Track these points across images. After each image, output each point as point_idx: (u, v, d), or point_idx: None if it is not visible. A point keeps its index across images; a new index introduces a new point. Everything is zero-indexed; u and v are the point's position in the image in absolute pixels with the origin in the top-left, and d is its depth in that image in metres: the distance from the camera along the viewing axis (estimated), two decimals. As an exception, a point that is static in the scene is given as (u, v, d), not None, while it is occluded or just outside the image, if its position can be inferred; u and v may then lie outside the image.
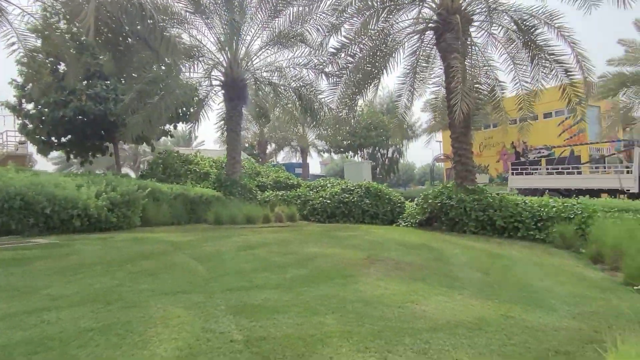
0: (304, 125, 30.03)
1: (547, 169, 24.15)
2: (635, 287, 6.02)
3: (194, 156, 21.88)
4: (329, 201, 15.37)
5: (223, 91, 17.46)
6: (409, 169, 79.32)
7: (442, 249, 9.06)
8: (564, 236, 9.37)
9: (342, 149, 43.78)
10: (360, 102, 16.02)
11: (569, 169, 22.65)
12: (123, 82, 18.29)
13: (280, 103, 19.26)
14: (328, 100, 15.47)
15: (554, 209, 10.52)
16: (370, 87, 14.51)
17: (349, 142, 42.10)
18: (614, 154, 25.49)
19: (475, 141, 46.93)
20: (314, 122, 18.02)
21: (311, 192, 17.14)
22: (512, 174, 24.97)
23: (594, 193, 19.63)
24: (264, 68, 17.99)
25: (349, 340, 3.89)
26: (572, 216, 10.03)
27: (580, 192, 19.89)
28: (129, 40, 12.93)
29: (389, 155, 45.86)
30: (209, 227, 12.00)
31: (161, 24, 11.24)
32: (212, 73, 18.14)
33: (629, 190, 19.22)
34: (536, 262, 7.83)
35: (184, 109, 24.39)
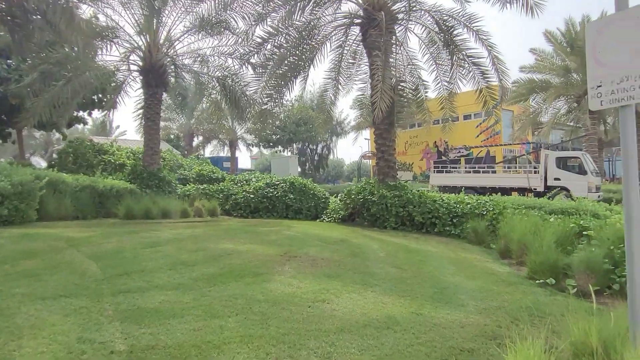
0: (231, 118, 29.12)
1: (466, 167, 25.40)
2: (537, 281, 6.26)
3: (109, 146, 20.38)
4: (252, 196, 14.91)
5: (141, 77, 16.31)
6: (339, 165, 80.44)
7: (361, 244, 9.01)
8: (476, 232, 9.72)
9: (271, 144, 43.27)
10: (289, 96, 15.70)
11: (484, 168, 23.95)
12: (29, 61, 16.53)
13: (203, 93, 18.40)
14: (252, 92, 14.96)
15: (469, 205, 10.91)
16: (297, 80, 14.24)
17: (279, 136, 41.71)
18: (524, 155, 27.34)
19: (401, 140, 48.69)
20: (239, 115, 17.40)
21: (235, 186, 16.58)
22: (433, 171, 25.94)
23: (506, 191, 20.88)
24: (187, 55, 17.07)
25: (249, 345, 3.57)
26: (484, 213, 10.44)
27: (494, 190, 21.06)
28: (30, 15, 11.61)
29: (319, 151, 46.09)
30: (118, 222, 11.09)
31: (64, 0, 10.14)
32: (131, 58, 16.92)
33: (535, 189, 20.68)
34: (450, 257, 7.99)
35: (100, 95, 22.69)
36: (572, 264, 6.31)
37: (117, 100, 18.45)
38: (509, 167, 24.29)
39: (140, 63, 16.03)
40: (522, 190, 21.06)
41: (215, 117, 22.69)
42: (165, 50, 15.91)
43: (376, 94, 11.04)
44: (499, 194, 17.53)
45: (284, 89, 13.81)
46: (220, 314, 4.25)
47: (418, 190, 12.40)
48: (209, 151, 51.24)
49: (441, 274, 6.53)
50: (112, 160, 18.81)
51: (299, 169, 47.63)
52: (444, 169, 25.60)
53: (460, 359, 3.58)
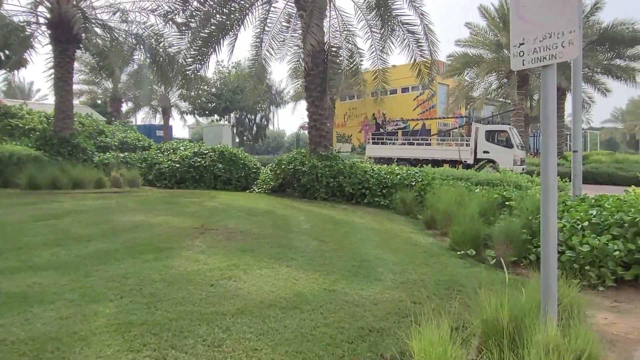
0: (159, 83, 27.26)
1: (403, 140, 25.63)
2: (458, 252, 6.16)
3: (18, 109, 18.36)
4: (178, 165, 14.00)
5: (50, 31, 14.57)
6: (279, 136, 79.25)
7: (287, 215, 8.60)
8: (404, 202, 9.61)
9: (206, 112, 41.45)
10: (216, 58, 14.65)
11: (419, 140, 24.28)
12: None
13: (121, 53, 16.84)
14: (176, 53, 13.80)
15: (398, 176, 10.79)
16: (225, 42, 13.29)
17: (214, 104, 40.00)
18: (456, 128, 28.04)
19: (340, 111, 48.50)
20: (164, 79, 16.15)
21: (160, 155, 15.52)
22: (369, 143, 25.98)
23: (438, 163, 21.28)
24: (103, 9, 15.44)
25: (124, 335, 3.03)
26: (413, 183, 10.36)
27: (427, 162, 21.41)
28: None
29: (257, 121, 44.89)
30: (16, 193, 9.90)
31: None
32: (39, 9, 15.05)
33: (466, 161, 21.24)
34: (375, 228, 7.78)
35: (7, 52, 20.26)
36: (492, 235, 6.26)
37: (26, 57, 16.47)
38: (442, 140, 24.76)
39: (48, 15, 14.29)
40: (454, 163, 21.58)
41: (139, 81, 21.04)
42: (76, 2, 14.25)
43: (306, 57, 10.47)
44: (430, 165, 17.89)
45: (210, 51, 12.83)
46: (100, 297, 3.66)
47: (353, 161, 12.11)
48: (140, 119, 48.37)
49: (363, 246, 6.27)
50: (21, 125, 16.97)
51: (237, 139, 46.28)
52: (380, 141, 25.69)
53: (367, 341, 3.26)
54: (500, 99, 30.04)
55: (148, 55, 16.12)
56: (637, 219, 5.35)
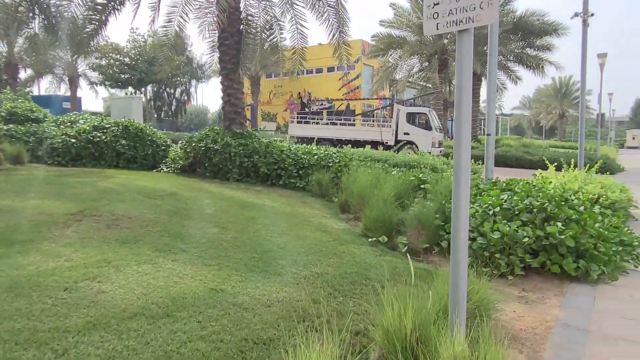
0: (55, 47, 24.45)
1: (327, 120, 25.27)
2: (370, 239, 5.78)
3: None
4: (73, 140, 12.41)
5: None
6: (202, 112, 75.91)
7: (191, 198, 7.77)
8: (320, 184, 9.15)
9: (119, 83, 38.28)
10: (115, 19, 13.12)
11: (341, 120, 24.06)
12: None
13: (13, 12, 14.65)
14: (69, 13, 12.08)
15: (316, 156, 10.30)
16: (128, 2, 11.82)
17: (128, 75, 37.01)
18: (378, 109, 28.23)
19: (266, 89, 47.25)
20: (59, 41, 14.24)
21: (54, 128, 13.74)
22: (292, 122, 25.37)
23: (360, 144, 21.21)
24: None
25: None
26: (330, 164, 9.93)
27: (349, 142, 21.26)
28: None
29: (177, 95, 42.38)
30: None
31: None
32: None
33: (387, 142, 21.38)
34: (286, 212, 7.22)
35: None
36: (405, 220, 5.95)
37: None
38: (364, 121, 24.73)
39: None
40: (375, 144, 21.62)
41: (35, 45, 18.61)
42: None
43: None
44: (349, 145, 17.69)
45: (109, 9, 11.34)
46: None
47: (272, 140, 11.40)
48: (44, 88, 43.65)
49: (269, 233, 5.67)
50: None
51: (154, 115, 43.43)
52: (303, 120, 25.17)
53: (248, 358, 2.68)
54: (422, 83, 30.66)
55: (42, 16, 14.08)
56: (545, 204, 5.26)
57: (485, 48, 16.46)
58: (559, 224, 4.91)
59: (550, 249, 4.87)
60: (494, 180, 8.29)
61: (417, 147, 20.73)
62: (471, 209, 5.64)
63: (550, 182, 7.57)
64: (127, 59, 36.95)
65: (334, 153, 10.50)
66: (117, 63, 36.14)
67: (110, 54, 35.69)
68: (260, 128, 43.58)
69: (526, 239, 4.76)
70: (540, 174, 9.40)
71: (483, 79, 27.61)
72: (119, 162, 12.52)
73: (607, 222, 6.09)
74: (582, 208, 5.79)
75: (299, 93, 42.34)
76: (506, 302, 4.09)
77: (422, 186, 7.92)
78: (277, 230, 5.90)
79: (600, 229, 5.34)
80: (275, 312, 3.31)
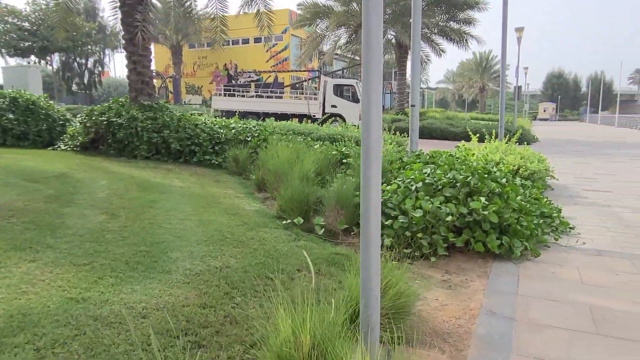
0: None
1: (254, 92, 24.15)
2: (285, 221, 5.20)
3: None
4: (-54, 115, 10.58)
5: None
6: (121, 85, 70.68)
7: (84, 180, 6.73)
8: (237, 161, 8.40)
9: (18, 51, 34.18)
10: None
11: (267, 93, 23.10)
12: None
13: None
14: None
15: (233, 130, 9.48)
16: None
17: (29, 43, 33.11)
18: (306, 80, 27.52)
19: (189, 59, 44.69)
20: None
21: None
22: (216, 95, 24.04)
23: (287, 117, 20.50)
24: None
25: None
26: (249, 139, 9.17)
27: (276, 115, 20.47)
28: None
29: (89, 66, 38.76)
30: None
31: None
32: None
33: (314, 116, 20.83)
34: (195, 193, 6.43)
35: None
36: (324, 199, 5.43)
37: None
38: (292, 94, 23.93)
39: None
40: (303, 117, 21.00)
41: None
42: None
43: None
44: (272, 118, 16.90)
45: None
46: None
47: (191, 113, 10.35)
48: None
49: (167, 220, 4.90)
50: None
51: (64, 87, 39.54)
52: (227, 93, 23.91)
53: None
54: (350, 55, 30.25)
55: None
56: (469, 177, 4.94)
57: (410, 19, 16.18)
58: (482, 198, 4.61)
59: (474, 225, 4.56)
60: (417, 153, 8.01)
61: (344, 120, 20.39)
62: (393, 185, 5.22)
63: (473, 154, 7.40)
64: (26, 24, 32.96)
65: (254, 126, 9.74)
66: (15, 28, 32.12)
67: (6, 17, 31.61)
68: (184, 101, 41.25)
69: (449, 217, 4.40)
70: (464, 145, 9.30)
71: (409, 51, 27.71)
72: (6, 139, 10.91)
73: (528, 194, 5.96)
74: (504, 180, 5.58)
75: (225, 65, 40.41)
76: (429, 289, 3.70)
77: (344, 161, 7.45)
78: (179, 215, 5.14)
79: (522, 202, 5.14)
80: (150, 325, 2.63)
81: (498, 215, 4.54)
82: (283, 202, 5.44)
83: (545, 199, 6.33)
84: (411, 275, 3.97)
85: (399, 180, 5.41)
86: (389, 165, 6.86)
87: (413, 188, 5.03)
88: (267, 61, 40.12)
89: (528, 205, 5.18)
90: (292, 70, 33.89)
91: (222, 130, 9.48)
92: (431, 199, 4.75)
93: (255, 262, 3.83)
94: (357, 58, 28.87)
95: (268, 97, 22.76)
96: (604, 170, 11.55)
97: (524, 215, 4.95)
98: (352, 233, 4.97)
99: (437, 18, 26.78)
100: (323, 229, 4.94)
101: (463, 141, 9.89)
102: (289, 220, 5.16)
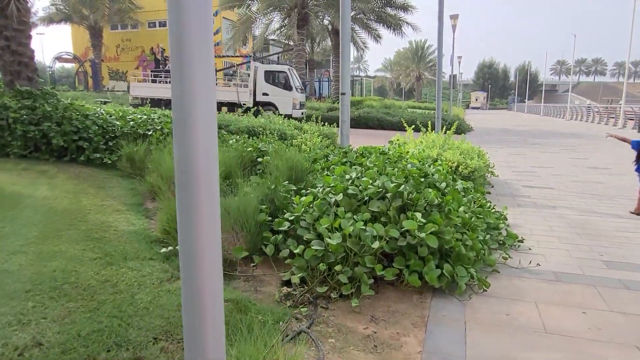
0: None
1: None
2: (164, 249, 3.91)
3: None
4: None
5: None
6: (41, 70, 64.34)
7: None
8: (132, 160, 6.92)
9: None
10: None
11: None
12: None
13: None
14: None
15: (132, 122, 7.94)
16: None
17: None
18: (234, 66, 25.82)
19: (112, 42, 41.18)
20: None
21: None
22: (134, 81, 21.83)
23: (216, 107, 18.86)
24: None
25: None
26: (150, 132, 7.69)
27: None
28: None
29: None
30: None
31: None
32: None
33: (244, 104, 19.31)
34: (58, 208, 4.95)
35: None
36: (230, 212, 4.20)
37: None
38: (227, 81, 22.11)
39: None
40: (233, 106, 19.43)
41: None
42: None
43: None
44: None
45: None
46: None
47: (66, 101, 8.59)
48: None
49: (8, 248, 3.47)
50: None
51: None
52: (150, 79, 21.79)
53: None
54: (283, 39, 28.83)
55: None
56: (402, 186, 3.91)
57: None
58: (419, 215, 3.58)
59: (408, 251, 3.53)
60: (345, 150, 6.96)
61: (276, 109, 19.10)
62: (308, 197, 4.08)
63: (407, 151, 6.43)
64: None
65: (158, 117, 8.25)
66: None
67: None
68: (108, 88, 37.90)
69: (376, 243, 3.34)
70: (397, 140, 8.39)
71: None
72: None
73: (471, 200, 5.07)
74: (444, 185, 4.63)
75: (152, 48, 37.52)
76: (345, 352, 2.61)
77: (259, 160, 6.24)
78: (12, 245, 3.69)
79: (466, 215, 4.20)
80: None
81: (438, 237, 3.54)
82: (165, 221, 4.15)
83: (489, 204, 5.49)
84: (323, 330, 2.87)
85: (319, 189, 4.29)
86: (310, 165, 5.74)
87: (332, 201, 3.92)
88: (198, 45, 37.62)
89: (472, 219, 4.25)
90: (224, 56, 31.91)
91: (118, 122, 7.90)
92: (354, 216, 3.67)
93: (90, 328, 2.55)
94: (291, 43, 27.52)
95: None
96: (540, 162, 11.18)
97: (468, 232, 4.01)
98: (252, 265, 3.79)
99: (373, 3, 25.98)
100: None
101: (398, 134, 8.99)
102: (170, 248, 3.88)
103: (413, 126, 9.25)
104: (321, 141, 8.90)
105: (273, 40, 35.98)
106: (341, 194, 3.91)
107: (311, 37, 27.01)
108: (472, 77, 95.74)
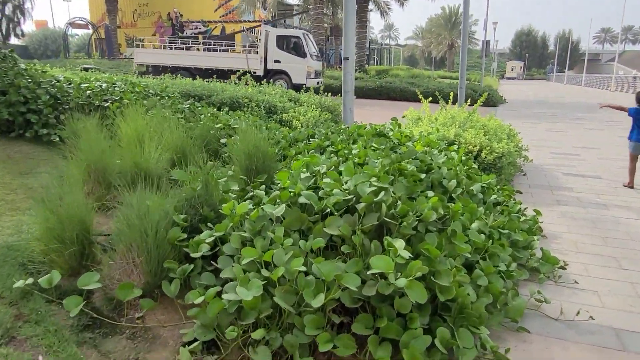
0: None
1: (182, 44, 20.73)
2: (20, 283, 2.67)
3: None
4: None
5: None
6: (59, 37, 63.81)
7: None
8: (79, 137, 5.73)
9: None
10: None
11: (210, 44, 19.92)
12: None
13: None
14: None
15: (89, 92, 6.71)
16: None
17: None
18: (243, 31, 24.24)
19: (128, 8, 40.03)
20: None
21: None
22: (139, 46, 20.66)
23: (224, 74, 17.57)
24: None
25: None
26: (107, 103, 6.46)
27: (211, 72, 17.53)
28: None
29: (7, 12, 33.69)
30: None
31: None
32: None
33: (255, 72, 17.87)
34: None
35: None
36: (116, 230, 2.92)
37: None
38: (227, 46, 20.57)
39: None
40: (242, 74, 18.02)
41: None
42: None
43: None
44: (215, 76, 14.01)
45: None
46: None
47: (18, 66, 7.39)
48: None
49: None
50: None
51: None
52: (151, 44, 20.60)
53: None
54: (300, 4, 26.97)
55: None
56: (380, 194, 2.53)
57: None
58: (400, 243, 2.22)
59: (380, 303, 2.19)
60: (340, 129, 5.54)
61: (290, 78, 17.62)
62: (242, 206, 2.74)
63: (406, 136, 4.85)
64: None
65: (118, 85, 7.01)
66: None
67: None
68: (125, 55, 36.93)
69: (319, 299, 2.00)
70: (410, 112, 6.92)
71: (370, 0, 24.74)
72: None
73: (491, 205, 3.63)
74: (453, 184, 3.23)
75: (168, 14, 36.14)
76: None
77: (223, 141, 4.94)
78: None
79: (482, 235, 2.80)
80: None
81: (432, 279, 2.18)
82: (41, 234, 2.91)
83: (518, 208, 4.03)
84: None
85: (277, 188, 2.96)
86: (280, 151, 4.41)
87: (275, 215, 2.58)
88: (216, 10, 36.03)
89: (491, 242, 2.85)
90: (242, 21, 30.23)
91: (72, 92, 6.69)
92: (301, 246, 2.33)
93: None
94: (310, 7, 25.63)
95: (208, 49, 19.56)
96: (583, 141, 9.44)
97: (482, 263, 2.63)
98: (138, 315, 2.50)
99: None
100: (86, 303, 2.45)
101: (411, 107, 7.49)
102: (43, 275, 2.64)
103: (430, 98, 7.68)
104: (320, 115, 7.50)
105: (297, 6, 33.98)
106: (284, 204, 2.55)
107: (333, 2, 25.05)
108: (509, 45, 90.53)
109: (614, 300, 2.86)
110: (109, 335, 2.36)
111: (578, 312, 2.64)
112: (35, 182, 4.65)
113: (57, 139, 6.19)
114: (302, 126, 6.74)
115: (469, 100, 7.99)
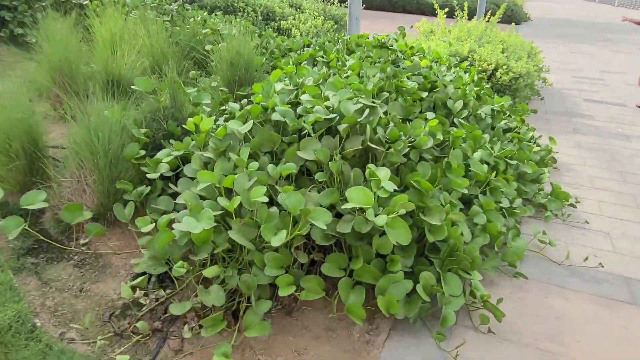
0: None
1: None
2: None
3: None
4: None
5: None
6: None
7: None
8: (52, 39, 5.21)
9: None
10: None
11: None
12: None
13: None
14: None
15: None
16: None
17: None
18: None
19: None
20: None
21: None
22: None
23: None
24: None
25: None
26: (84, 1, 5.82)
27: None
28: None
29: None
30: None
31: None
32: None
33: None
34: None
35: None
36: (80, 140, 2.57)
37: None
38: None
39: None
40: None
41: None
42: None
43: None
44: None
45: None
46: None
47: None
48: None
49: None
50: None
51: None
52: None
53: None
54: None
55: None
56: (365, 112, 2.13)
57: None
58: (385, 172, 1.86)
59: (357, 241, 1.89)
60: (339, 39, 4.97)
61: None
62: (207, 121, 2.36)
63: (411, 47, 4.26)
64: None
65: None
66: None
67: None
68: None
69: (279, 237, 1.69)
70: (422, 23, 6.23)
71: None
72: None
73: (500, 131, 3.22)
74: (459, 106, 2.81)
75: None
76: None
77: (208, 49, 4.42)
78: None
79: (484, 166, 2.43)
80: None
81: (420, 217, 1.86)
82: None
83: (531, 135, 3.60)
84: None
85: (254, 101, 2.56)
86: (272, 62, 3.92)
87: (242, 133, 2.20)
88: None
89: (494, 174, 2.48)
90: None
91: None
92: (269, 172, 1.98)
93: None
94: None
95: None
96: (610, 65, 8.67)
97: (482, 198, 2.29)
98: (83, 240, 2.23)
99: None
100: (31, 224, 2.18)
101: (424, 19, 6.76)
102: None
103: (447, 10, 6.89)
104: (323, 24, 6.80)
105: None
106: (252, 121, 2.16)
107: None
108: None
109: (628, 245, 2.55)
110: (55, 261, 2.12)
111: (586, 258, 2.33)
112: (2, 87, 4.23)
113: (34, 40, 5.66)
114: (301, 35, 6.11)
115: (489, 13, 7.19)
